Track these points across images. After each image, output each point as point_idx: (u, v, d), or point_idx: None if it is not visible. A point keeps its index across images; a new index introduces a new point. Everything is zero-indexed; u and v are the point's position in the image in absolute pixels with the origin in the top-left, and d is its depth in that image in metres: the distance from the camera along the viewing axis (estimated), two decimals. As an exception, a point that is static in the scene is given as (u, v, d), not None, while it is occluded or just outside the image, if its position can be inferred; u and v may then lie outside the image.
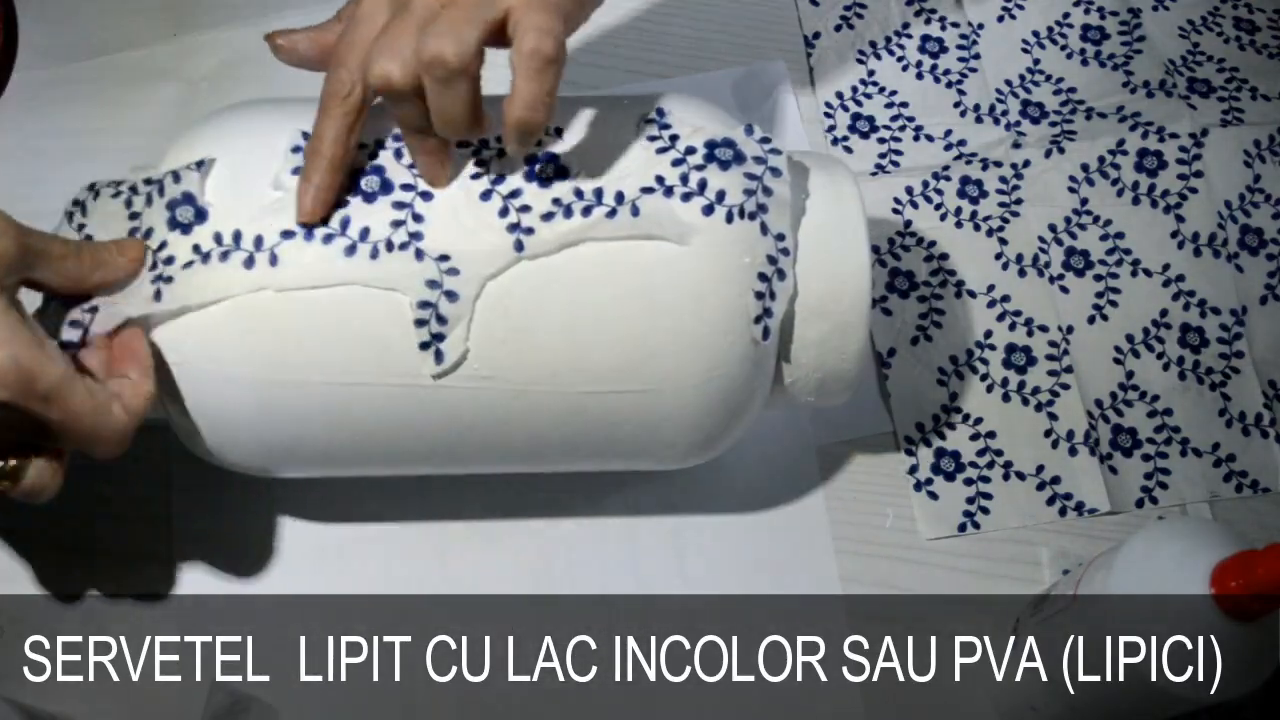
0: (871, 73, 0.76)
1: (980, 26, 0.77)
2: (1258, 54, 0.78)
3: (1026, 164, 0.73)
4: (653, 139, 0.51)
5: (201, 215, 0.49)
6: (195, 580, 0.61)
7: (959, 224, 0.72)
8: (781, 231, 0.51)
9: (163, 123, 0.70)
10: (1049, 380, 0.69)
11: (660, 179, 0.50)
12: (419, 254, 0.48)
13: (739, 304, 0.50)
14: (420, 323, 0.49)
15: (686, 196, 0.50)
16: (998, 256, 0.71)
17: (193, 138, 0.51)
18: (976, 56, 0.76)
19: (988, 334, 0.69)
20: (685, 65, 0.76)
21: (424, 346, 0.49)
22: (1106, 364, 0.70)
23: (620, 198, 0.50)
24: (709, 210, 0.50)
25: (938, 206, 0.72)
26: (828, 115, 0.75)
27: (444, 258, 0.49)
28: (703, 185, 0.50)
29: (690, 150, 0.51)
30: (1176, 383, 0.70)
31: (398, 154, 0.50)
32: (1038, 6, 0.79)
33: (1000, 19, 0.78)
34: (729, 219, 0.50)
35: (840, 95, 0.75)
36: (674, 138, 0.52)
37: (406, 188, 0.49)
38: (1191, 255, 0.72)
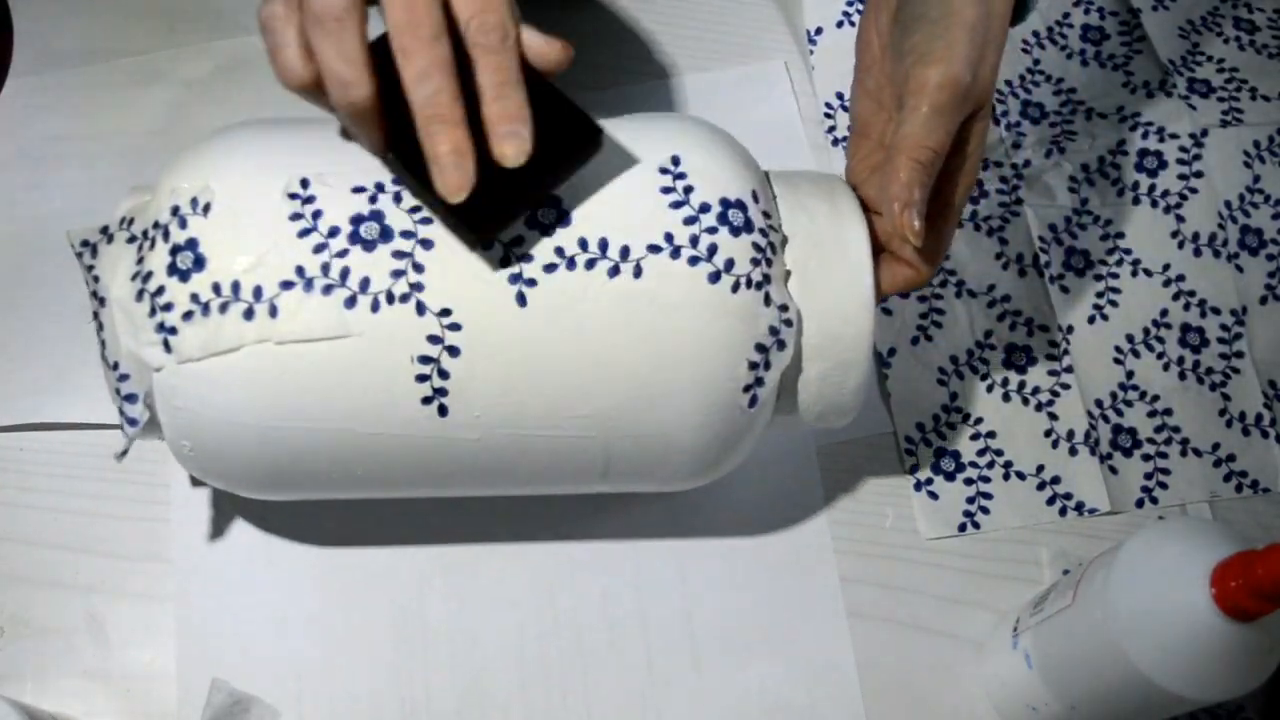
0: (871, 73, 0.76)
1: (980, 26, 0.77)
2: (1258, 54, 0.78)
3: (1026, 164, 0.73)
4: (666, 190, 0.50)
5: (200, 263, 0.48)
6: (195, 580, 0.61)
7: (959, 224, 0.72)
8: (785, 303, 0.51)
9: (157, 126, 0.70)
10: (1049, 380, 0.69)
11: (669, 237, 0.49)
12: (420, 307, 0.48)
13: (733, 373, 0.50)
14: (422, 378, 0.48)
15: (694, 260, 0.49)
16: (998, 256, 0.71)
17: (191, 168, 0.50)
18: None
19: (988, 334, 0.69)
20: (685, 65, 0.76)
21: (426, 401, 0.48)
22: (1106, 364, 0.70)
23: (625, 253, 0.49)
24: (715, 278, 0.49)
25: (938, 206, 0.72)
26: (828, 115, 0.75)
27: (446, 311, 0.48)
28: (712, 251, 0.49)
29: (704, 208, 0.50)
30: (1176, 383, 0.70)
31: (397, 198, 0.49)
32: (1037, 7, 0.78)
33: (1000, 19, 0.78)
34: (734, 289, 0.49)
35: (840, 95, 0.75)
36: (689, 190, 0.50)
37: (406, 235, 0.48)
38: (1191, 255, 0.72)
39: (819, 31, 0.76)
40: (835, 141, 0.74)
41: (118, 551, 0.61)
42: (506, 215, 0.47)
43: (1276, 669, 0.50)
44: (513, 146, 0.45)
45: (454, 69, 0.45)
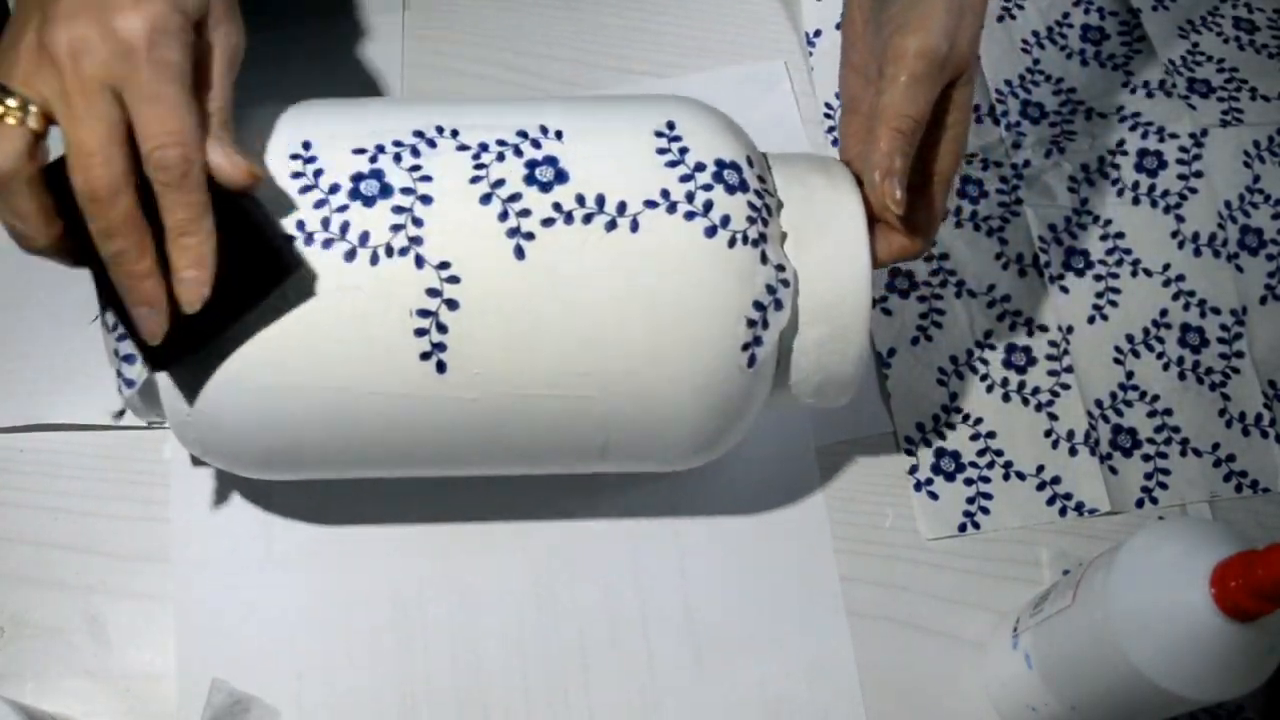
0: (871, 73, 0.76)
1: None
2: (1257, 54, 0.78)
3: (1026, 164, 0.73)
4: (662, 152, 0.51)
5: None
6: (195, 580, 0.61)
7: (959, 224, 0.72)
8: (781, 263, 0.51)
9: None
10: (1049, 380, 0.69)
11: (665, 193, 0.50)
12: (419, 260, 0.48)
13: (731, 329, 0.50)
14: (420, 331, 0.48)
15: (690, 215, 0.50)
16: (998, 256, 0.71)
17: None
18: (976, 57, 0.76)
19: (988, 334, 0.69)
20: (685, 65, 0.76)
21: (424, 357, 0.49)
22: (1106, 364, 0.70)
23: (622, 208, 0.49)
24: (711, 232, 0.50)
25: (938, 206, 0.72)
26: (828, 115, 0.75)
27: (444, 265, 0.48)
28: (708, 207, 0.50)
29: (700, 167, 0.51)
30: (1176, 383, 0.70)
31: (396, 158, 0.50)
32: (1038, 6, 0.78)
33: (1000, 19, 0.78)
34: (731, 244, 0.50)
35: (840, 95, 0.75)
36: (684, 151, 0.51)
37: (406, 191, 0.49)
38: (1191, 255, 0.72)
39: (818, 34, 0.76)
40: (835, 142, 0.74)
41: (118, 551, 0.61)
42: (188, 347, 0.47)
43: (1276, 669, 0.50)
44: (191, 293, 0.45)
45: (138, 218, 0.45)
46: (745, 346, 0.50)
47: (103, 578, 0.60)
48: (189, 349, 0.48)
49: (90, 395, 0.62)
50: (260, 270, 0.47)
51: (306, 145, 0.50)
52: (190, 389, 0.49)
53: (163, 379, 0.50)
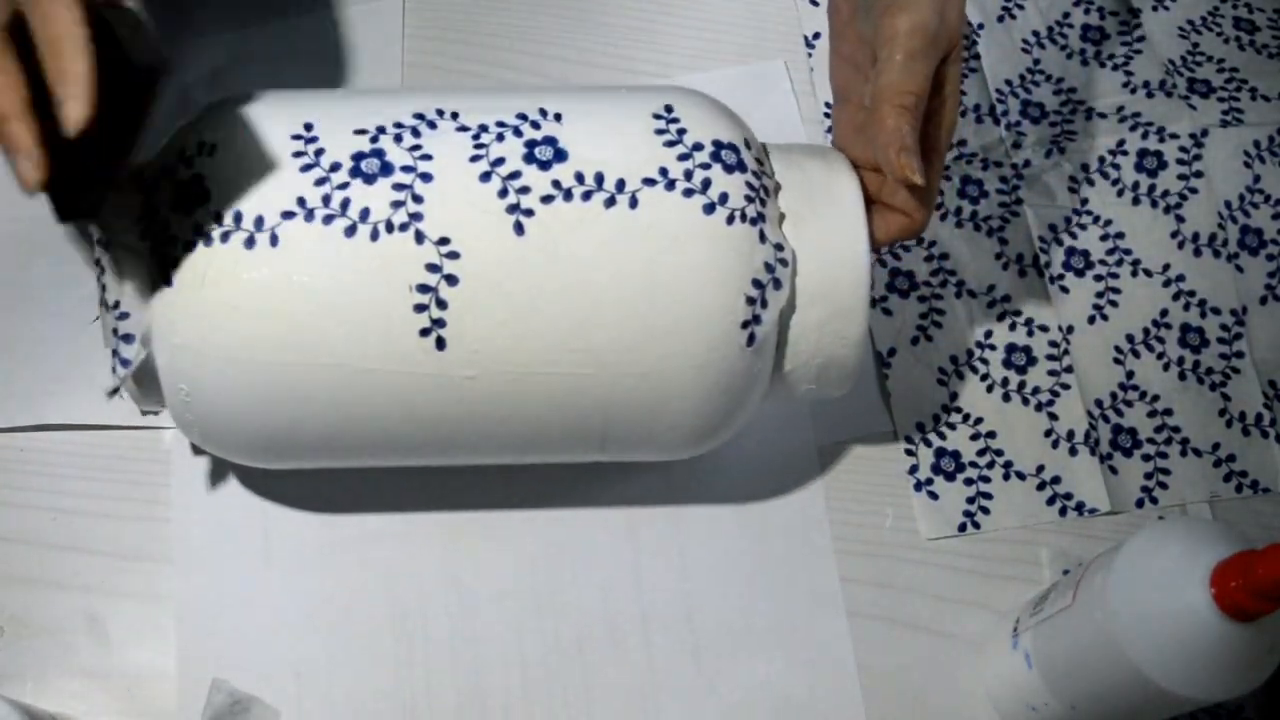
0: (871, 73, 0.76)
1: (980, 26, 0.77)
2: (1258, 54, 0.78)
3: (1026, 164, 0.73)
4: (660, 133, 0.52)
5: (204, 196, 0.49)
6: (195, 580, 0.61)
7: (959, 224, 0.72)
8: (779, 242, 0.51)
9: (160, 124, 0.70)
10: (1049, 380, 0.69)
11: (664, 171, 0.50)
12: (419, 236, 0.49)
13: (731, 306, 0.50)
14: (420, 307, 0.49)
15: (688, 193, 0.50)
16: (998, 256, 0.71)
17: (199, 121, 0.52)
18: (976, 57, 0.76)
19: (988, 334, 0.69)
20: (685, 65, 0.76)
21: (424, 333, 0.49)
22: (1106, 364, 0.70)
23: (621, 186, 0.50)
24: (710, 209, 0.50)
25: (938, 206, 0.72)
26: (827, 115, 0.75)
27: (444, 240, 0.49)
28: (706, 184, 0.50)
29: (698, 147, 0.51)
30: (1176, 383, 0.70)
31: (397, 138, 0.50)
32: (1038, 6, 0.79)
33: (1000, 19, 0.78)
34: (729, 221, 0.50)
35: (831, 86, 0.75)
36: (681, 132, 0.52)
37: (407, 169, 0.50)
38: (1191, 255, 0.72)
39: (816, 36, 0.76)
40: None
41: (118, 551, 0.61)
42: (91, 197, 0.45)
43: (1276, 669, 0.50)
44: (71, 110, 0.41)
45: (6, 57, 0.42)
46: (745, 324, 0.51)
47: (103, 578, 0.60)
48: (93, 200, 0.45)
49: (90, 395, 0.62)
50: (138, 80, 0.45)
51: (308, 126, 0.51)
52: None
53: (163, 355, 0.50)
